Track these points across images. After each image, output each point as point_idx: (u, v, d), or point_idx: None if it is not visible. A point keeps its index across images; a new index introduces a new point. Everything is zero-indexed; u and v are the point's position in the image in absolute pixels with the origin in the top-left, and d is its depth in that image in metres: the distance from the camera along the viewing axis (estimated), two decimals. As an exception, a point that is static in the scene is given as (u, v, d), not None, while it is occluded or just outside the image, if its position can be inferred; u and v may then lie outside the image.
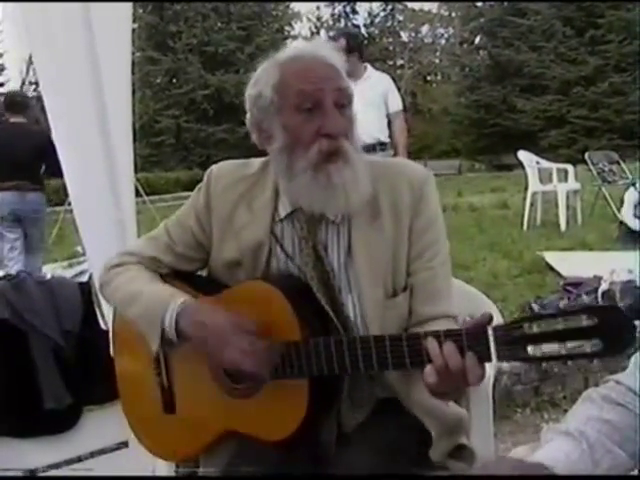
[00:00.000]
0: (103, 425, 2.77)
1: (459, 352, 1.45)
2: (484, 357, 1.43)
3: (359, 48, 6.21)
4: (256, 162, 1.91)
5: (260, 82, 1.74)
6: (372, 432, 1.82)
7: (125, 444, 2.63)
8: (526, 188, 10.71)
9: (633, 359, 1.42)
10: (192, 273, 2.00)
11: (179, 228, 1.93)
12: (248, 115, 1.79)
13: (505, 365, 3.96)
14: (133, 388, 2.01)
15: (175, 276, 1.94)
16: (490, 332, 1.41)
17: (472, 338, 1.45)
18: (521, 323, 1.38)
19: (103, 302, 2.56)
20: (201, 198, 1.90)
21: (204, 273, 2.01)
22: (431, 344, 1.49)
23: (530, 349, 1.37)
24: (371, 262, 1.76)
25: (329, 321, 1.76)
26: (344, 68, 1.75)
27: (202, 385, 1.84)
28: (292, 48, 1.79)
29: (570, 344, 1.34)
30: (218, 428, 1.84)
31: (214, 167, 1.94)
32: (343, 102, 1.71)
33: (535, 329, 1.36)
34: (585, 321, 1.31)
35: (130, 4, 2.88)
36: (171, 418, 1.91)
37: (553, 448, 1.29)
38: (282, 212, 1.82)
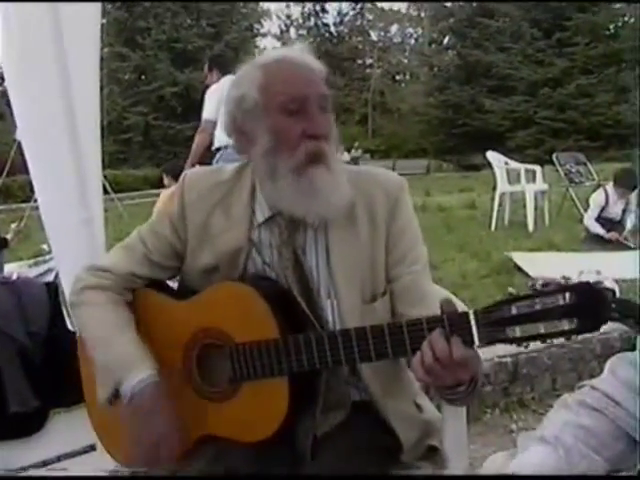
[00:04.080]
0: (70, 428, 2.72)
1: (444, 338, 1.46)
2: (466, 341, 1.45)
3: (218, 66, 7.05)
4: (228, 168, 1.91)
5: (243, 84, 1.74)
6: (344, 436, 1.81)
7: (92, 447, 2.59)
8: (494, 188, 10.79)
9: (608, 364, 1.43)
10: (165, 283, 1.98)
11: (154, 237, 1.90)
12: (227, 118, 1.79)
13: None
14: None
15: (148, 286, 1.91)
16: (471, 316, 1.44)
17: (454, 323, 1.47)
18: (500, 306, 1.42)
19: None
20: (175, 206, 1.88)
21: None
22: (416, 333, 1.51)
23: (510, 330, 1.41)
24: (348, 267, 1.78)
25: (308, 323, 1.75)
26: (324, 74, 1.77)
27: (176, 391, 1.80)
28: (274, 52, 1.81)
29: (549, 323, 1.38)
30: (195, 434, 1.80)
31: (187, 174, 1.93)
32: (324, 105, 1.73)
33: (514, 311, 1.40)
34: (562, 300, 1.36)
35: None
36: None
37: (529, 455, 1.29)
38: (260, 217, 1.82)
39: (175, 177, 7.15)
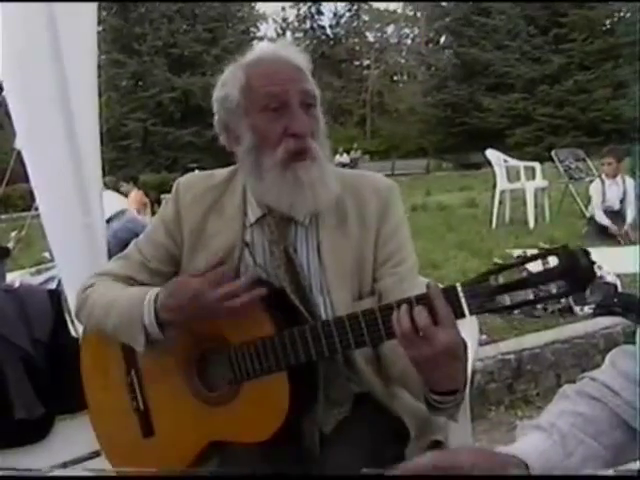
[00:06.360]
0: (76, 434, 2.72)
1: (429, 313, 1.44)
2: (457, 313, 1.45)
3: None
4: (222, 172, 1.93)
5: (227, 84, 1.77)
6: (349, 432, 1.81)
7: (98, 453, 2.58)
8: (494, 186, 10.79)
9: (608, 357, 1.43)
10: None
11: (150, 244, 1.92)
12: (216, 117, 1.80)
13: (478, 364, 3.97)
14: (107, 417, 1.98)
15: None
16: (459, 288, 1.44)
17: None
18: (487, 276, 1.42)
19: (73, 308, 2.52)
20: (170, 211, 1.90)
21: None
22: (403, 310, 1.48)
23: (499, 299, 1.41)
24: (338, 265, 1.79)
25: (302, 320, 1.75)
26: (309, 69, 1.78)
27: (179, 400, 1.81)
28: (256, 50, 1.82)
29: (537, 288, 1.39)
30: (200, 441, 1.81)
31: (181, 180, 1.95)
32: (309, 102, 1.73)
33: (501, 280, 1.40)
34: (547, 265, 1.37)
35: (95, 6, 2.84)
36: (150, 441, 1.87)
37: (523, 441, 1.29)
38: (252, 217, 1.83)
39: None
